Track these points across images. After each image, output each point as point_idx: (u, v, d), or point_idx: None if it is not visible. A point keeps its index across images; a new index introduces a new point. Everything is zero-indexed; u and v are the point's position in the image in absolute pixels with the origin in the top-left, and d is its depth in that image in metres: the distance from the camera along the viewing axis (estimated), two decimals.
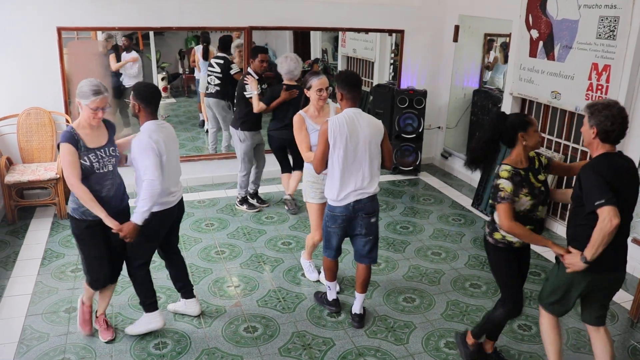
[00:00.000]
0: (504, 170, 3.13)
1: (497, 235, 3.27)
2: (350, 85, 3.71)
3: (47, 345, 3.79)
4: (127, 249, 3.68)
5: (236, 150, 6.07)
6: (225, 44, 7.18)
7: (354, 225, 3.87)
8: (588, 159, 3.10)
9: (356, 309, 4.12)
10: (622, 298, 4.52)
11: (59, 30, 5.81)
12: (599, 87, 5.08)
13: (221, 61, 7.00)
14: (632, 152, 4.83)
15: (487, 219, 3.54)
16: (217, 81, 7.01)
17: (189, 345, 3.82)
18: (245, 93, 5.74)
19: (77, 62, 6.29)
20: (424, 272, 4.91)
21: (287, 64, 5.53)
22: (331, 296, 4.27)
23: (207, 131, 8.27)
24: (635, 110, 4.83)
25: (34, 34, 5.75)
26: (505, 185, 3.08)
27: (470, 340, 3.66)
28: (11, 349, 3.73)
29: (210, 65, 7.12)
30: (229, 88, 6.84)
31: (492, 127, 3.24)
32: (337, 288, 4.38)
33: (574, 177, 3.13)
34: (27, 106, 5.84)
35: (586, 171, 2.92)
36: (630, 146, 4.86)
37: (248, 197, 6.25)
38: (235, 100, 5.98)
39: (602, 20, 4.99)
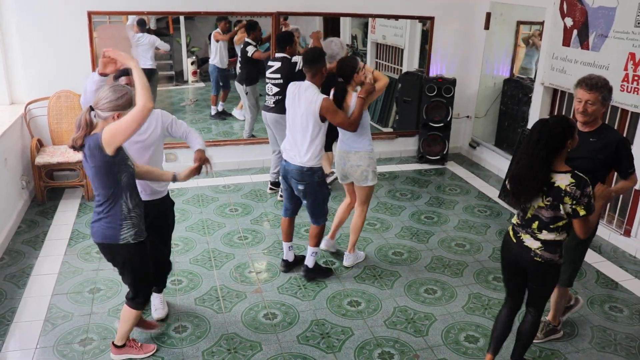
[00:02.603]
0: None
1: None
2: (304, 61, 4.13)
3: (71, 324, 3.87)
4: (168, 236, 3.87)
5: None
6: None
7: (292, 187, 4.32)
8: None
9: (306, 261, 4.55)
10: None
11: (90, 14, 5.87)
12: (635, 78, 4.91)
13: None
14: None
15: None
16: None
17: (208, 329, 3.86)
18: (297, 68, 5.37)
19: (107, 46, 6.33)
20: (447, 263, 4.85)
21: (331, 48, 5.33)
22: (283, 255, 4.65)
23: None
24: None
25: (65, 18, 5.83)
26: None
27: None
28: (37, 327, 3.83)
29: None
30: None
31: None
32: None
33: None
34: (58, 89, 5.93)
35: (626, 143, 3.38)
36: None
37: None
38: (283, 85, 5.38)
39: None
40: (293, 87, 4.19)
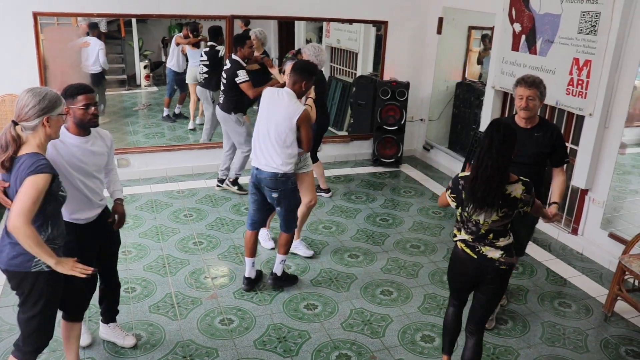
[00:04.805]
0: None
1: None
2: (293, 67, 4.05)
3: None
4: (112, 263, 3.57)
5: (236, 133, 6.07)
6: (215, 34, 6.94)
7: (265, 196, 4.20)
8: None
9: (275, 269, 4.45)
10: (598, 292, 4.56)
11: (35, 15, 5.67)
12: (580, 82, 5.08)
13: (207, 49, 6.85)
14: (612, 141, 4.92)
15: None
16: (205, 69, 6.91)
17: (163, 337, 3.78)
18: (236, 79, 5.76)
19: (55, 49, 6.16)
20: (403, 265, 4.90)
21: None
22: (246, 273, 4.41)
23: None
24: (614, 105, 4.85)
25: (10, 18, 5.62)
26: None
27: None
28: None
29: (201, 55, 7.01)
30: (215, 76, 6.67)
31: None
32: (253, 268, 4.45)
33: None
34: (2, 93, 5.71)
35: (561, 134, 3.78)
36: (609, 137, 4.93)
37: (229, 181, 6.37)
38: (226, 86, 5.90)
39: (583, 15, 4.99)
40: (269, 93, 4.09)
